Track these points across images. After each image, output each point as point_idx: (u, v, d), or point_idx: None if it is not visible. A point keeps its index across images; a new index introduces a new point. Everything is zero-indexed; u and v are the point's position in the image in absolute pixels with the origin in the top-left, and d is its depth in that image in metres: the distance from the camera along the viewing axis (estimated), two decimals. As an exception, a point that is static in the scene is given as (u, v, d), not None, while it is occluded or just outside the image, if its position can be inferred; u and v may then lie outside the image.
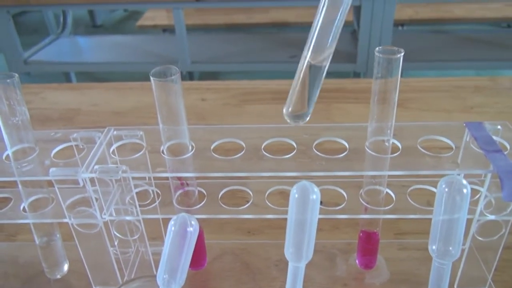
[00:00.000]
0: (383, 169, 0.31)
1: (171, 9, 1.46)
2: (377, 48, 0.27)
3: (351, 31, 1.75)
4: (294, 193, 0.24)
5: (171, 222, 0.23)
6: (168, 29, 1.92)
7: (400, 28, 1.86)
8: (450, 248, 0.24)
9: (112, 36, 1.99)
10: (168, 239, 0.24)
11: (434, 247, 0.24)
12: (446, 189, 0.23)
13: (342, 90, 0.69)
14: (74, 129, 0.37)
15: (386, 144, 0.30)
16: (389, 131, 0.30)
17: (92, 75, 1.82)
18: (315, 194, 0.24)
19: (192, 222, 0.23)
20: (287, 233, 0.25)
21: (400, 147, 0.32)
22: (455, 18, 1.79)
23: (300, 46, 1.65)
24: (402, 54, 0.27)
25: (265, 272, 0.40)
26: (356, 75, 1.54)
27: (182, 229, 0.23)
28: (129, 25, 2.91)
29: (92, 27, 2.84)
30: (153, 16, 1.96)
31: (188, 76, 1.70)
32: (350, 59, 1.51)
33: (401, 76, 0.29)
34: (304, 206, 0.24)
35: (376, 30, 1.38)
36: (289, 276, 0.26)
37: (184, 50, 1.50)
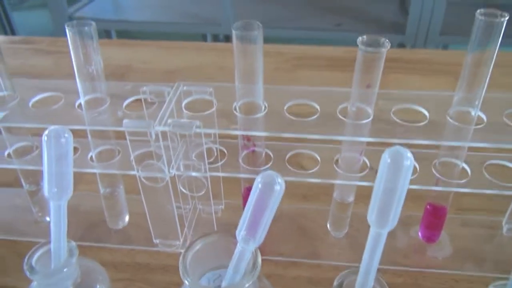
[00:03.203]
0: (465, 140, 0.30)
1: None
2: (478, 10, 0.25)
3: (400, -1, 1.67)
4: (386, 157, 0.23)
5: (258, 179, 0.23)
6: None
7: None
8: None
9: (154, -5, 1.97)
10: (253, 195, 0.23)
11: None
12: None
13: (399, 60, 0.67)
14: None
15: (472, 114, 0.29)
16: (477, 102, 0.29)
17: (131, 34, 1.82)
18: (409, 160, 0.23)
19: (279, 180, 0.23)
20: (373, 198, 0.24)
21: (485, 119, 0.31)
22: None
23: (345, 14, 1.60)
24: (507, 18, 0.25)
25: (323, 238, 0.40)
26: (401, 46, 1.49)
27: (268, 187, 0.23)
28: (168, -15, 2.88)
29: (132, -14, 2.82)
30: (195, -23, 1.92)
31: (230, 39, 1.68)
32: (397, 29, 1.45)
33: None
34: (396, 171, 0.23)
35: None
36: (370, 241, 0.25)
37: (227, 12, 1.48)
